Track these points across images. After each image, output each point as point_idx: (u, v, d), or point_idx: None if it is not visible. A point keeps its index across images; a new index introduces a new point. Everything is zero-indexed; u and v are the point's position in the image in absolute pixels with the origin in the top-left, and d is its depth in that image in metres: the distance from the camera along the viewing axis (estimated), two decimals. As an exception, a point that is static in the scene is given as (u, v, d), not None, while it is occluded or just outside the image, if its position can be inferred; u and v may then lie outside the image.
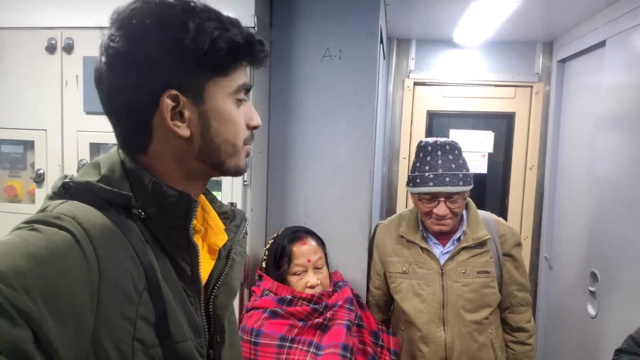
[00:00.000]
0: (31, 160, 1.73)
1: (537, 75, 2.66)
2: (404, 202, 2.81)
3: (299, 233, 1.60)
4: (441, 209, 1.56)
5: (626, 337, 1.25)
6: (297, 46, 1.76)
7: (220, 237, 0.80)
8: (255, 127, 0.77)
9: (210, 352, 0.77)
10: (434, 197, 1.57)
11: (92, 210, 0.62)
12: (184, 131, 0.68)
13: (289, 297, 1.48)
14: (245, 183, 1.57)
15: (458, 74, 2.72)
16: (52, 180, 1.73)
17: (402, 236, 1.67)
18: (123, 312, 0.60)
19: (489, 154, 2.75)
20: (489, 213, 1.74)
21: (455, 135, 2.77)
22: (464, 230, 1.63)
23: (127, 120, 0.69)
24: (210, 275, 0.78)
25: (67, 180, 0.66)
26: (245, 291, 1.64)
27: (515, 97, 2.70)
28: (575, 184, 2.31)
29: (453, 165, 1.57)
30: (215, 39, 0.66)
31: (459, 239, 1.63)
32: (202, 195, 0.81)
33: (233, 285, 0.82)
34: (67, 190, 0.65)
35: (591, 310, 1.93)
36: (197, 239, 0.77)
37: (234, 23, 0.69)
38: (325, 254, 1.64)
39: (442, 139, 1.63)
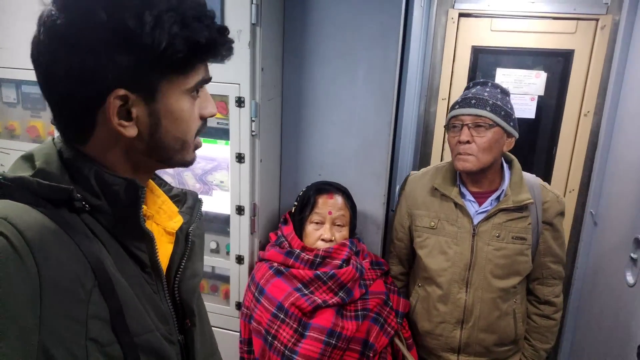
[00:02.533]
0: (50, 101, 1.74)
1: (606, 6, 2.30)
2: (440, 147, 2.64)
3: (330, 187, 1.58)
4: (463, 134, 1.43)
5: None
6: (312, -20, 1.58)
7: (175, 220, 0.77)
8: (209, 116, 0.72)
9: (181, 338, 0.76)
10: (459, 123, 1.45)
11: (27, 208, 0.57)
12: (130, 131, 0.63)
13: (297, 251, 1.48)
14: (253, 133, 1.49)
15: (510, 4, 2.40)
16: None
17: (435, 189, 1.55)
18: (71, 314, 0.56)
19: (539, 97, 2.48)
20: (534, 176, 1.57)
21: (503, 74, 2.50)
22: (504, 190, 1.48)
23: (67, 109, 0.63)
24: (171, 260, 0.76)
25: None
26: (256, 241, 1.62)
27: (577, 31, 2.37)
28: (634, 135, 2.05)
29: (485, 94, 1.44)
30: (173, 36, 0.59)
31: (497, 199, 1.49)
32: (149, 179, 0.77)
33: (196, 268, 0.81)
34: None
35: (629, 278, 1.77)
36: (151, 225, 0.74)
37: (199, 15, 0.62)
38: (353, 218, 1.59)
39: (490, 80, 1.52)
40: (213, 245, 1.66)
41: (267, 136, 1.60)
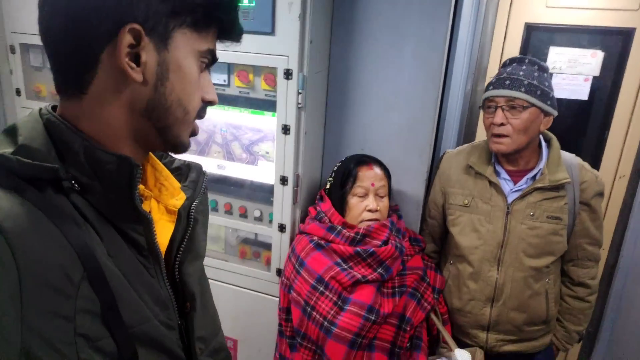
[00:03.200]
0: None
1: (674, -18, 2.16)
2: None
3: (369, 159, 1.59)
4: (497, 116, 1.42)
5: None
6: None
7: (177, 197, 0.73)
8: (210, 103, 0.68)
9: (181, 322, 0.73)
10: (494, 105, 1.44)
11: (3, 194, 0.52)
12: (136, 75, 0.58)
13: (339, 227, 1.50)
14: (299, 105, 1.52)
15: (569, -21, 2.29)
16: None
17: (470, 167, 1.56)
18: (57, 310, 0.52)
19: (594, 78, 2.38)
20: (573, 155, 1.55)
21: (557, 53, 2.41)
22: (541, 169, 1.47)
23: (70, 48, 0.57)
24: (172, 240, 0.72)
25: None
26: (298, 211, 1.67)
27: (639, 8, 2.24)
28: (694, 121, 1.95)
29: (521, 73, 1.41)
30: None
31: (533, 178, 1.48)
32: (150, 152, 0.73)
33: (198, 248, 0.77)
34: None
35: (679, 268, 1.72)
36: (151, 203, 0.71)
37: None
38: (390, 188, 1.60)
39: (528, 56, 1.46)
40: (257, 214, 1.73)
41: (313, 109, 1.63)
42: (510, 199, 1.50)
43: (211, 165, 1.75)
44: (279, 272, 1.71)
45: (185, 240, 0.73)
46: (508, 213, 1.49)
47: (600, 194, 1.50)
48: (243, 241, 1.84)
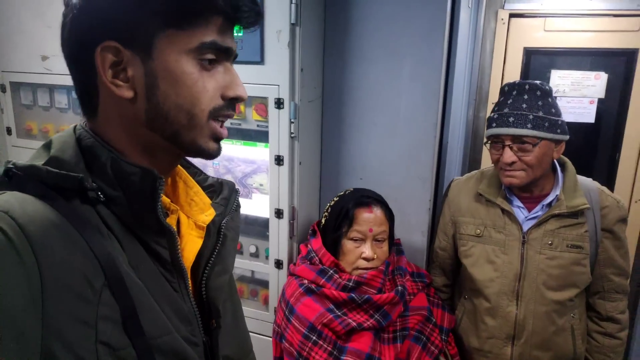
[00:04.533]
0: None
1: (675, 0, 2.12)
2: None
3: (369, 199, 1.42)
4: (505, 155, 1.33)
5: None
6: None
7: (207, 213, 0.72)
8: (235, 99, 0.64)
9: (207, 339, 0.71)
10: (500, 142, 1.35)
11: (32, 200, 0.53)
12: (125, 92, 0.59)
13: (330, 271, 1.37)
14: (292, 135, 1.46)
15: (566, 2, 2.26)
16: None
17: (480, 194, 1.47)
18: (78, 315, 0.52)
19: (599, 100, 2.31)
20: (591, 180, 1.45)
21: (559, 76, 2.36)
22: (557, 196, 1.37)
23: (74, 76, 0.62)
24: (200, 255, 0.71)
25: (10, 166, 0.57)
26: (295, 245, 1.58)
27: (641, 29, 2.20)
28: None
29: (524, 105, 1.31)
30: None
31: (549, 205, 1.38)
32: (182, 169, 0.74)
33: (226, 264, 0.75)
34: (10, 177, 0.56)
35: None
36: (181, 218, 0.70)
37: None
38: (391, 228, 1.46)
39: (528, 81, 1.36)
40: (252, 250, 1.64)
41: (307, 138, 1.57)
42: (525, 227, 1.40)
43: (204, 200, 1.68)
44: (277, 311, 1.61)
45: (214, 255, 0.72)
46: (524, 242, 1.39)
47: (624, 220, 1.40)
48: (239, 279, 1.74)
